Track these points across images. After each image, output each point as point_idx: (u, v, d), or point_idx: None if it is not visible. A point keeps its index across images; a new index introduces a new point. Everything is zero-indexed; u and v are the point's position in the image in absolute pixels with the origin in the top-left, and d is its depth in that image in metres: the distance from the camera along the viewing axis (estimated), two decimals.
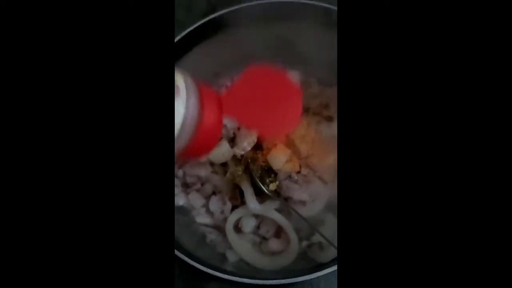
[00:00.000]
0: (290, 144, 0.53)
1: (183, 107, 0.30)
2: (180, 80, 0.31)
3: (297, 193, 0.49)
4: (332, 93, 0.60)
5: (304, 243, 0.49)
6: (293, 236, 0.48)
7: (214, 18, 0.56)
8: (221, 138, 0.56)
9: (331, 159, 0.52)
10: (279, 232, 0.50)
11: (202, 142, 0.34)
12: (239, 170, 0.51)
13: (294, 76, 0.62)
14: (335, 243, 0.48)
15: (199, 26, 0.55)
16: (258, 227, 0.51)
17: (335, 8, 0.53)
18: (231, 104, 0.37)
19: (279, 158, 0.51)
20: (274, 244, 0.49)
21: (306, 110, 0.59)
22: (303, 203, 0.49)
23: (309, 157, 0.52)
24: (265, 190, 0.49)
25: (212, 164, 0.55)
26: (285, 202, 0.49)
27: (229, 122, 0.58)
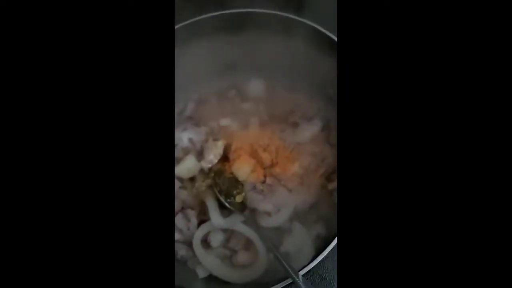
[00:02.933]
0: (254, 154, 0.52)
1: None
2: None
3: (262, 204, 0.49)
4: (296, 99, 0.60)
5: (272, 254, 0.48)
6: (261, 247, 0.48)
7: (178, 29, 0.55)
8: (187, 152, 0.56)
9: (296, 167, 0.52)
10: (248, 244, 0.50)
11: None
12: (203, 185, 0.51)
13: (257, 84, 0.62)
14: (304, 252, 0.48)
15: None
16: (228, 240, 0.51)
17: (295, 17, 0.53)
18: None
19: (243, 169, 0.51)
20: (243, 256, 0.49)
21: (271, 118, 0.59)
22: (268, 213, 0.49)
23: (273, 166, 0.52)
24: (226, 204, 0.49)
25: (181, 179, 0.55)
26: (250, 214, 0.49)
27: (195, 135, 0.57)
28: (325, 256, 0.52)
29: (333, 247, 0.43)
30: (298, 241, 0.48)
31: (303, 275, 0.48)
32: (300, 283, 0.39)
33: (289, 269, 0.41)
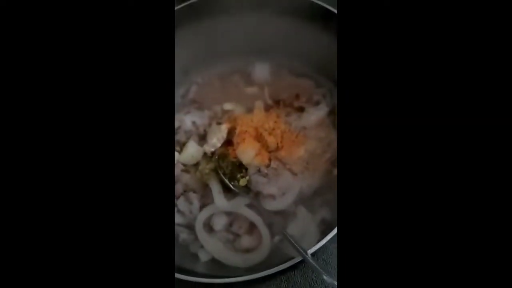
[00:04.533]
0: (258, 137, 0.51)
1: None
2: None
3: (266, 187, 0.48)
4: (303, 83, 0.59)
5: (277, 238, 0.47)
6: (264, 231, 0.47)
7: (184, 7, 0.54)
8: (190, 136, 0.55)
9: (301, 151, 0.51)
10: (252, 228, 0.49)
11: None
12: (206, 168, 0.50)
13: (263, 69, 0.61)
14: (309, 236, 0.47)
15: None
16: (230, 224, 0.50)
17: None
18: None
19: (247, 153, 0.50)
20: (247, 240, 0.48)
21: (276, 102, 0.58)
22: (272, 197, 0.48)
23: (278, 150, 0.51)
24: (231, 186, 0.48)
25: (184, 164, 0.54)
26: (254, 198, 0.48)
27: (198, 119, 0.56)
28: (329, 241, 0.52)
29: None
30: (303, 225, 0.47)
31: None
32: (309, 259, 0.39)
33: (298, 247, 0.40)
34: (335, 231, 0.39)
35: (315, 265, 0.38)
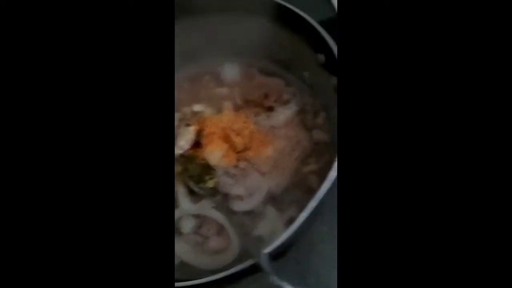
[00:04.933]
0: (226, 138, 0.51)
1: None
2: None
3: (234, 188, 0.47)
4: (273, 82, 0.59)
5: (245, 238, 0.47)
6: (232, 233, 0.47)
7: None
8: None
9: (269, 150, 0.51)
10: (221, 230, 0.49)
11: None
12: (174, 171, 0.49)
13: (233, 69, 0.61)
14: (277, 236, 0.47)
15: None
16: (199, 227, 0.49)
17: None
18: None
19: (215, 154, 0.50)
20: (215, 242, 0.47)
21: (246, 102, 0.57)
22: (240, 198, 0.47)
23: (246, 150, 0.51)
24: (195, 189, 0.47)
25: None
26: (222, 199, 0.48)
27: None
28: (299, 239, 0.52)
29: (303, 230, 0.42)
30: (271, 224, 0.47)
31: (276, 260, 0.47)
32: (264, 260, 0.36)
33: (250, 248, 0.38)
34: (294, 226, 0.38)
35: (265, 267, 0.36)
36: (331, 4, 0.73)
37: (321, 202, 0.52)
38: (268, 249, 0.36)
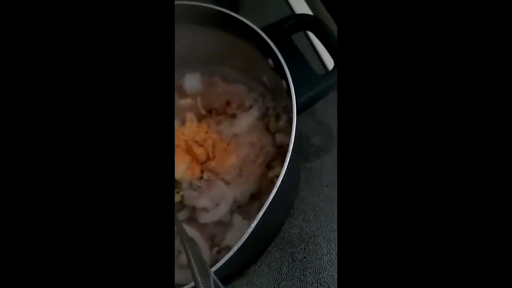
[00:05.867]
0: (188, 150, 0.51)
1: None
2: None
3: (199, 200, 0.48)
4: (235, 89, 0.59)
5: (215, 249, 0.47)
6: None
7: None
8: None
9: (233, 159, 0.51)
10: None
11: None
12: None
13: (194, 78, 0.61)
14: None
15: None
16: None
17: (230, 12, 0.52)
18: None
19: (179, 167, 0.50)
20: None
21: (209, 112, 0.57)
22: (206, 209, 0.48)
23: (210, 160, 0.51)
24: None
25: None
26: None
27: None
28: (271, 245, 0.52)
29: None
30: (240, 233, 0.47)
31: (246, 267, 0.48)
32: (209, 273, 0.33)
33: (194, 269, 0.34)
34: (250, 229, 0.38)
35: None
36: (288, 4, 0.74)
37: (290, 206, 0.52)
38: (214, 268, 0.35)
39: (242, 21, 0.48)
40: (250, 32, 0.47)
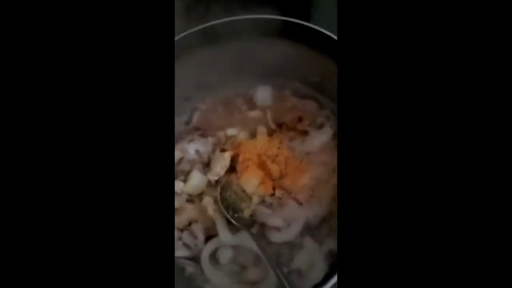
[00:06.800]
0: (262, 165, 0.50)
1: None
2: None
3: (271, 218, 0.47)
4: (306, 105, 0.58)
5: (284, 269, 0.46)
6: (270, 263, 0.46)
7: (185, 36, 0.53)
8: (194, 165, 0.55)
9: (306, 178, 0.50)
10: (258, 260, 0.48)
11: None
12: (210, 200, 0.49)
13: (265, 91, 0.60)
14: (317, 269, 0.46)
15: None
16: (237, 256, 0.49)
17: (300, 21, 0.51)
18: None
19: (251, 182, 0.49)
20: (253, 272, 0.47)
21: (279, 126, 0.57)
22: (277, 228, 0.47)
23: (282, 178, 0.50)
24: (234, 222, 0.47)
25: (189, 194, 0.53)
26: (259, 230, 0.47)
27: (202, 147, 0.56)
28: None
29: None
30: (310, 257, 0.46)
31: None
32: None
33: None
34: None
35: None
36: None
37: None
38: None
39: (324, 33, 0.47)
40: (327, 42, 0.46)
